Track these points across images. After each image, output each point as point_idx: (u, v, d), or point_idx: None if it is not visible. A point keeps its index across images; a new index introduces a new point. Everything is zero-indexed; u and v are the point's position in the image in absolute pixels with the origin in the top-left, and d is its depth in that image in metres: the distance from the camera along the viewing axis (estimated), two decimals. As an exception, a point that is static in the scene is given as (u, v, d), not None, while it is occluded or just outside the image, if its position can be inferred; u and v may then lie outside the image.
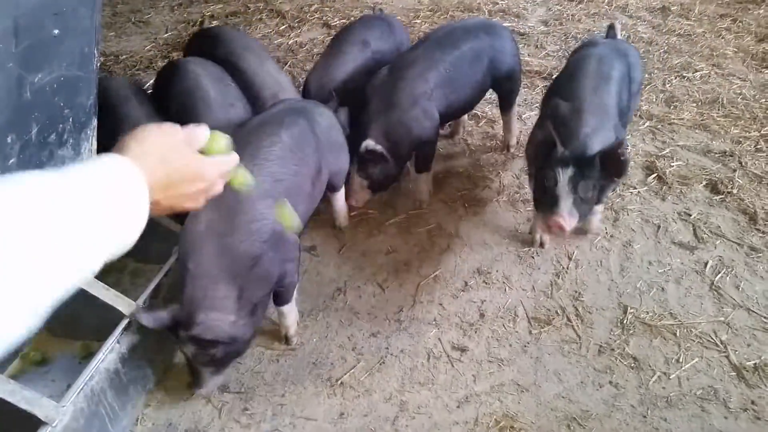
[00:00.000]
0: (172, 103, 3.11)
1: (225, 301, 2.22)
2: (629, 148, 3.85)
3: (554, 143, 2.63)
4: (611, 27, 3.52)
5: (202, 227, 2.26)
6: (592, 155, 2.58)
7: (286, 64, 4.97)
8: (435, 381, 2.59)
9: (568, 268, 3.09)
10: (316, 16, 5.82)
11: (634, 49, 3.42)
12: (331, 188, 3.06)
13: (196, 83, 3.08)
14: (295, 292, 2.68)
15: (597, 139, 2.66)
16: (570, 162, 2.59)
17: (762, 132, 4.03)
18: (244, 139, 2.48)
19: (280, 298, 2.59)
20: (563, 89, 3.03)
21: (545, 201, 2.67)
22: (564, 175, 2.58)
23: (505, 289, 3.00)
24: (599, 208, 3.24)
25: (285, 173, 2.49)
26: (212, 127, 1.16)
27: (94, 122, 2.61)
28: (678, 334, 2.74)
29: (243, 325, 2.27)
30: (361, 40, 3.59)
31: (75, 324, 2.53)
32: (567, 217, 2.57)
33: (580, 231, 3.29)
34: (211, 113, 2.94)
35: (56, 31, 2.12)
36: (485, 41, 3.45)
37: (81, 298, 2.32)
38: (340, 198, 3.25)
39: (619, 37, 3.46)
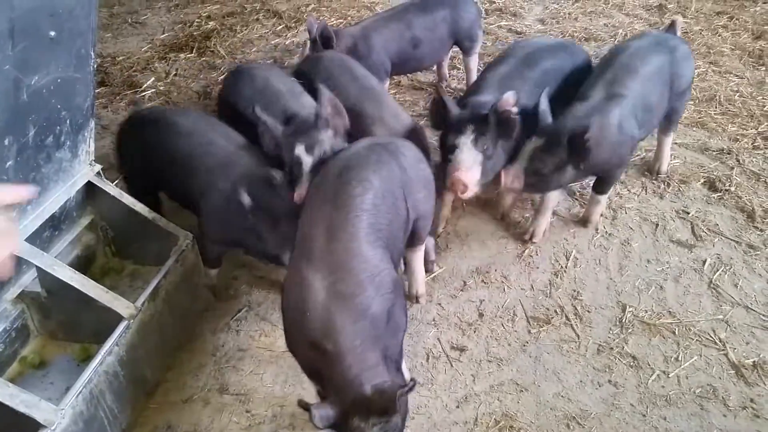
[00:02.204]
0: (243, 103, 3.07)
1: (378, 368, 1.90)
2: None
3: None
4: (672, 24, 3.46)
5: (321, 296, 1.94)
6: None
7: (283, 64, 4.97)
8: (434, 381, 2.59)
9: (566, 267, 3.10)
10: (313, 15, 5.81)
11: (684, 44, 3.35)
12: (413, 240, 2.66)
13: (266, 82, 3.12)
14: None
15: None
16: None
17: (759, 129, 4.03)
18: (331, 186, 2.24)
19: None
20: (585, 84, 3.14)
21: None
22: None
23: (504, 289, 3.00)
24: (601, 200, 3.24)
25: (382, 223, 2.23)
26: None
27: (92, 124, 2.60)
28: (677, 333, 2.74)
29: (400, 384, 1.90)
30: None
31: (73, 327, 2.53)
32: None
33: (579, 227, 3.30)
34: (286, 102, 2.99)
35: (52, 33, 2.12)
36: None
37: (79, 301, 2.32)
38: (419, 258, 2.86)
39: (677, 34, 3.41)
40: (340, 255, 2.03)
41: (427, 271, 2.97)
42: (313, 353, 1.93)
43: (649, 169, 3.70)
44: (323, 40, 3.64)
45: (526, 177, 2.79)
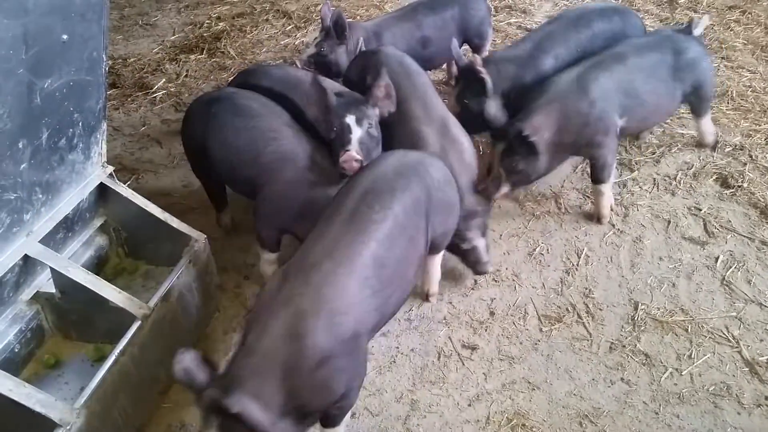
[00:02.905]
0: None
1: (272, 395, 1.81)
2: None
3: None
4: (691, 21, 3.47)
5: (280, 294, 1.93)
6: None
7: (293, 64, 4.97)
8: (446, 380, 2.59)
9: (578, 265, 3.09)
10: (321, 15, 5.80)
11: (698, 46, 3.38)
12: (431, 249, 2.59)
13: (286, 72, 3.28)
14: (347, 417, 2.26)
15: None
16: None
17: (772, 125, 3.99)
18: (351, 205, 2.15)
19: (329, 419, 2.13)
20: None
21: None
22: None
23: (515, 287, 3.00)
24: (602, 190, 3.27)
25: (391, 258, 2.10)
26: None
27: (104, 126, 2.63)
28: (689, 330, 2.72)
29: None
30: None
31: (87, 327, 2.55)
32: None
33: (591, 224, 3.28)
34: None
35: (65, 37, 2.14)
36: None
37: (93, 301, 2.35)
38: (436, 262, 2.88)
39: (696, 32, 3.41)
40: (322, 276, 1.95)
41: (481, 272, 2.95)
42: (243, 335, 1.96)
43: (698, 144, 3.83)
44: (337, 29, 3.65)
45: (508, 178, 3.06)
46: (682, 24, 3.39)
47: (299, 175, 2.69)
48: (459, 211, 2.62)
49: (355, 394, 2.11)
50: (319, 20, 3.92)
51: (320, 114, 2.80)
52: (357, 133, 2.65)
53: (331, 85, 2.95)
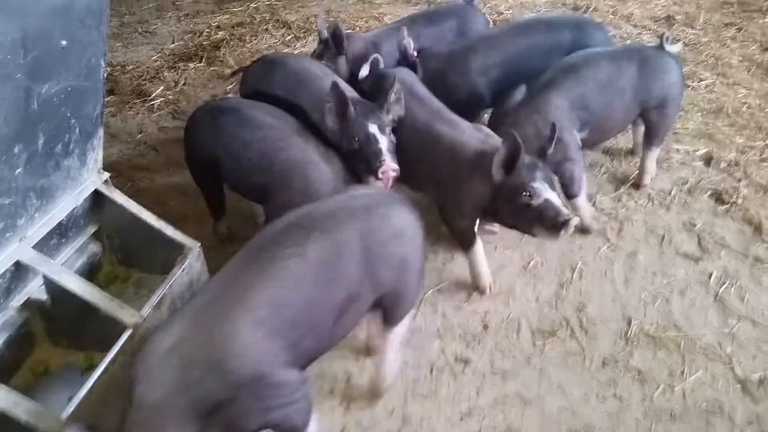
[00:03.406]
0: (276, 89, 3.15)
1: None
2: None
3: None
4: (661, 37, 3.39)
5: (167, 340, 1.79)
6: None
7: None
8: (438, 394, 2.58)
9: (572, 279, 3.09)
10: (317, 28, 5.82)
11: (670, 59, 3.32)
12: (386, 319, 2.37)
13: (302, 64, 3.26)
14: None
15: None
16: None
17: (767, 142, 4.01)
18: (264, 239, 2.04)
19: None
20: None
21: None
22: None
23: (509, 301, 3.00)
24: (578, 203, 3.26)
25: (296, 300, 1.94)
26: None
27: (101, 132, 2.63)
28: (682, 346, 2.72)
29: None
30: None
31: (78, 334, 2.54)
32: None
33: (584, 238, 3.29)
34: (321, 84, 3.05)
35: (64, 42, 2.14)
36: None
37: (84, 309, 2.33)
38: (392, 343, 2.47)
39: (667, 48, 3.34)
40: (210, 317, 1.84)
41: (565, 227, 2.50)
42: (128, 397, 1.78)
43: (634, 182, 3.70)
44: (335, 41, 3.67)
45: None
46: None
47: (309, 183, 2.70)
48: (420, 272, 2.33)
49: (290, 419, 1.99)
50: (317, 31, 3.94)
51: (336, 121, 2.80)
52: (384, 142, 2.71)
53: (348, 92, 2.95)
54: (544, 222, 2.54)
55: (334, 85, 2.78)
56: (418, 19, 4.11)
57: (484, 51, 3.55)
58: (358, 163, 2.78)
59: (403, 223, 2.22)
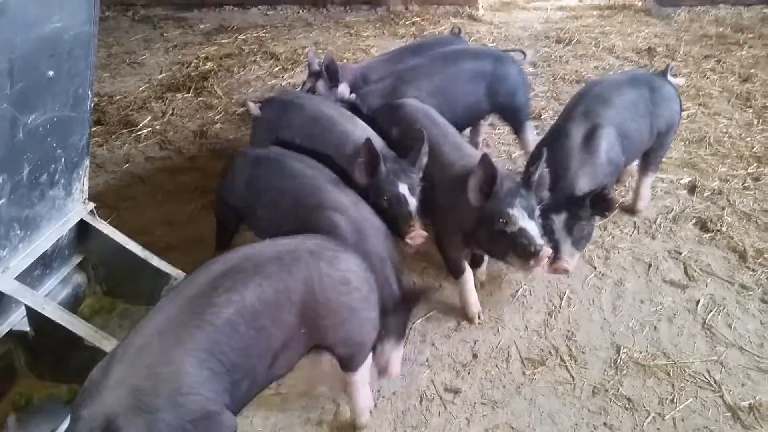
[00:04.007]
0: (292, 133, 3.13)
1: None
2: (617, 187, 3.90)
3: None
4: (666, 67, 3.53)
5: (108, 380, 1.76)
6: (581, 196, 2.76)
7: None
8: (428, 424, 2.55)
9: (560, 307, 3.08)
10: (308, 60, 5.89)
11: (673, 88, 3.45)
12: (343, 365, 2.34)
13: (317, 108, 3.18)
14: None
15: (585, 177, 2.87)
16: (561, 205, 2.79)
17: (749, 170, 4.08)
18: (200, 281, 1.97)
19: None
20: (561, 117, 3.26)
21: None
22: (558, 220, 2.80)
23: (498, 329, 2.98)
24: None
25: (231, 346, 1.90)
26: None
27: (87, 162, 2.62)
28: (672, 374, 2.72)
29: None
30: None
31: (62, 366, 2.49)
32: (569, 257, 2.82)
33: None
34: (343, 126, 3.05)
35: (51, 73, 2.15)
36: None
37: (68, 341, 2.30)
38: (357, 384, 2.41)
39: (670, 78, 3.48)
40: (154, 347, 1.81)
41: (537, 258, 2.46)
42: None
43: (627, 208, 3.75)
44: (330, 73, 3.72)
45: (576, 246, 2.86)
46: (650, 69, 3.44)
47: (338, 230, 2.54)
48: (370, 321, 2.27)
49: None
50: (306, 63, 4.02)
51: (366, 177, 2.76)
52: (413, 204, 2.74)
53: (379, 144, 2.88)
54: (516, 250, 2.51)
55: (368, 141, 2.73)
56: (405, 51, 4.18)
57: (414, 82, 3.57)
58: (386, 220, 2.72)
59: (350, 270, 2.16)
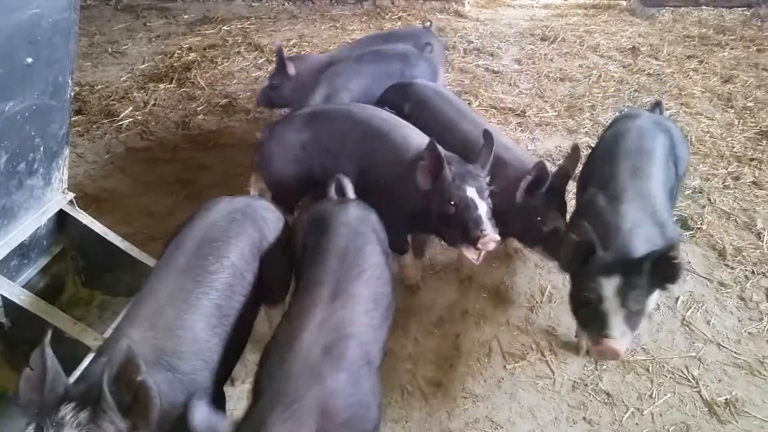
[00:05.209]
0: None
1: None
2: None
3: (592, 246, 2.22)
4: (657, 104, 3.23)
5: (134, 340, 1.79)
6: (639, 259, 2.18)
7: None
8: (409, 418, 2.55)
9: (542, 303, 3.10)
10: (295, 50, 5.87)
11: (675, 125, 3.20)
12: (269, 298, 2.46)
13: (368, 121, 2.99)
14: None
15: (642, 236, 2.30)
16: (614, 269, 2.18)
17: (729, 170, 4.13)
18: (186, 258, 2.05)
19: None
20: (598, 173, 2.67)
21: (590, 318, 2.26)
22: (609, 287, 2.17)
23: (480, 324, 2.99)
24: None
25: (232, 307, 2.08)
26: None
27: (67, 152, 2.58)
28: (651, 370, 2.74)
29: None
30: None
31: (39, 358, 2.45)
32: (620, 338, 2.15)
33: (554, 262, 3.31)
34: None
35: (29, 60, 2.11)
36: None
37: (45, 331, 2.26)
38: (278, 314, 2.42)
39: (664, 114, 3.20)
40: (170, 320, 1.88)
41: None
42: None
43: None
44: (278, 62, 3.93)
45: (629, 324, 2.19)
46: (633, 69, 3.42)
47: None
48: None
49: None
50: (292, 54, 4.07)
51: (429, 182, 2.60)
52: (484, 208, 2.53)
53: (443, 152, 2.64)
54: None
55: (431, 143, 2.57)
56: (375, 38, 4.31)
57: (347, 76, 3.59)
58: (451, 228, 2.58)
59: (277, 212, 2.47)
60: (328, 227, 2.25)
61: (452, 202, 2.54)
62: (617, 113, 3.42)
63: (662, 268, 2.16)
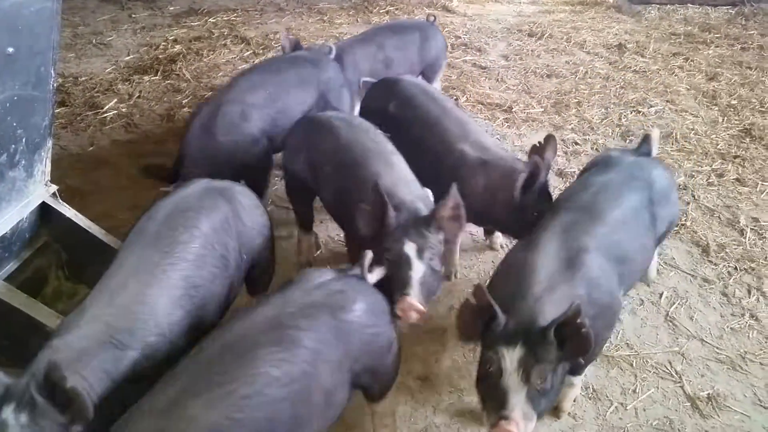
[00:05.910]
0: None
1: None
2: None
3: (492, 311, 1.93)
4: (645, 139, 2.83)
5: (83, 321, 1.86)
6: (543, 327, 1.88)
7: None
8: (395, 412, 2.55)
9: (527, 298, 3.11)
10: (281, 43, 5.81)
11: (665, 173, 2.72)
12: (253, 289, 2.60)
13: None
14: None
15: (556, 300, 2.00)
16: (516, 338, 1.88)
17: (713, 167, 4.17)
18: (155, 229, 2.10)
19: None
20: (540, 223, 2.43)
21: (489, 395, 1.95)
22: (509, 358, 1.87)
23: (466, 319, 3.00)
24: (577, 381, 2.52)
25: (203, 277, 2.09)
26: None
27: (49, 144, 2.54)
28: (634, 365, 2.77)
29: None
30: None
31: (21, 352, 2.42)
32: (520, 421, 1.82)
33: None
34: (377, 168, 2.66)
35: (10, 49, 2.07)
36: None
37: (29, 326, 2.24)
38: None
39: (654, 152, 2.83)
40: (130, 295, 1.92)
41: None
42: None
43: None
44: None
45: (533, 405, 1.87)
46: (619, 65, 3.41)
47: None
48: (272, 238, 2.56)
49: None
50: (279, 48, 4.01)
51: (371, 227, 2.34)
52: (418, 270, 2.22)
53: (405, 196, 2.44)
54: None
55: (375, 186, 2.31)
56: (382, 29, 4.40)
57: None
58: (385, 284, 2.25)
59: (255, 198, 2.51)
60: None
61: (387, 256, 2.28)
62: (599, 152, 3.10)
63: (568, 337, 1.85)
